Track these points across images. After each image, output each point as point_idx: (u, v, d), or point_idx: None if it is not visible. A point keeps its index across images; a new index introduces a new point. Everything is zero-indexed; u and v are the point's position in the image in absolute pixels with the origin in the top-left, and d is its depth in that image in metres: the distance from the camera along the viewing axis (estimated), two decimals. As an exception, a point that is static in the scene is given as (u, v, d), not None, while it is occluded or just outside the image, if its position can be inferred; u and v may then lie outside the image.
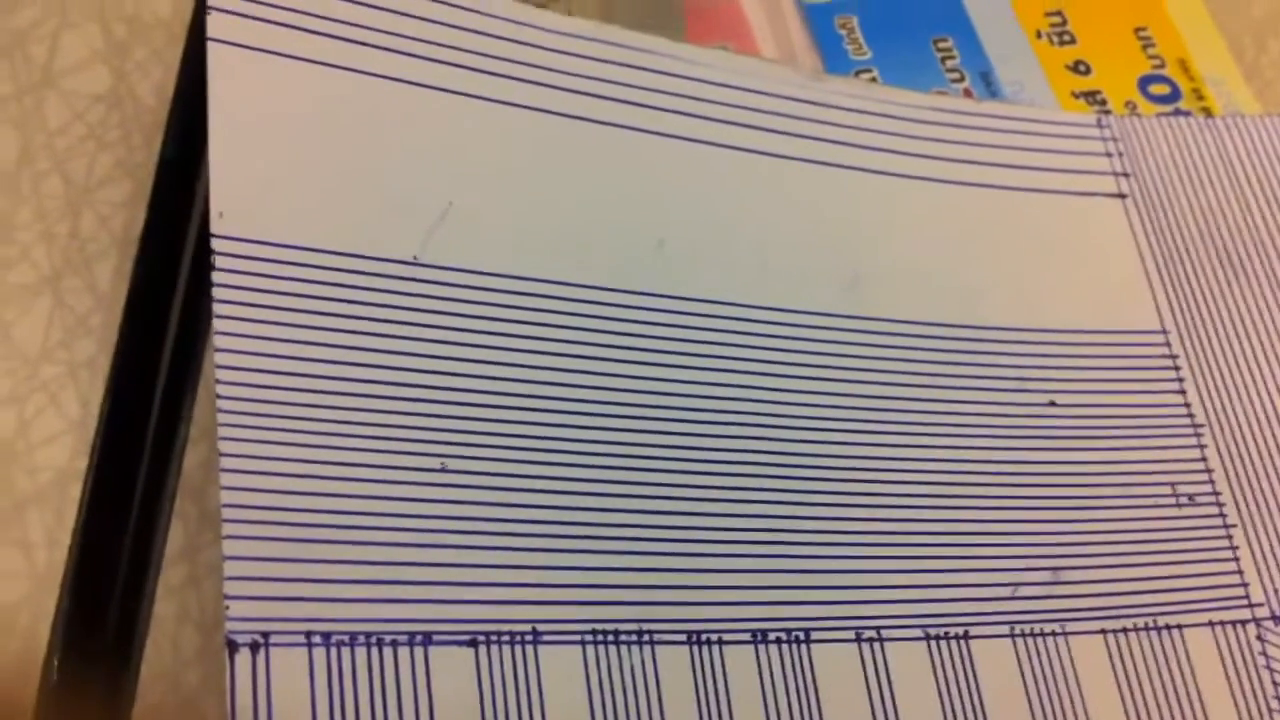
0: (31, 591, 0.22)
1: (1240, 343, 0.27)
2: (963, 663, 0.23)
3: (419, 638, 0.20)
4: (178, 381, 0.23)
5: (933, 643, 0.23)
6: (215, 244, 0.21)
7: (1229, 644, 0.24)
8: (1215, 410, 0.26)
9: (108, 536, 0.22)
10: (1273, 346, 0.27)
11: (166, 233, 0.23)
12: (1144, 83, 0.30)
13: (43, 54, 0.26)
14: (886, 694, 0.22)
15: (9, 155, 0.25)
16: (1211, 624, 0.24)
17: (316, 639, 0.19)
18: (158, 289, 0.23)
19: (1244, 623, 0.24)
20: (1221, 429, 0.26)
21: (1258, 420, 0.26)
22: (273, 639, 0.19)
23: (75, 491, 0.22)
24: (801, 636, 0.22)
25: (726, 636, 0.22)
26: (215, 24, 0.22)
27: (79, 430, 0.23)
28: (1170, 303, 0.27)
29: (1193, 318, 0.27)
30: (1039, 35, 0.30)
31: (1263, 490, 0.25)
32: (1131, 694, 0.23)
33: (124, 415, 0.22)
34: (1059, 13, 0.31)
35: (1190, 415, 0.26)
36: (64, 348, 0.23)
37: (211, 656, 0.22)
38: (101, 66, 0.26)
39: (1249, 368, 0.26)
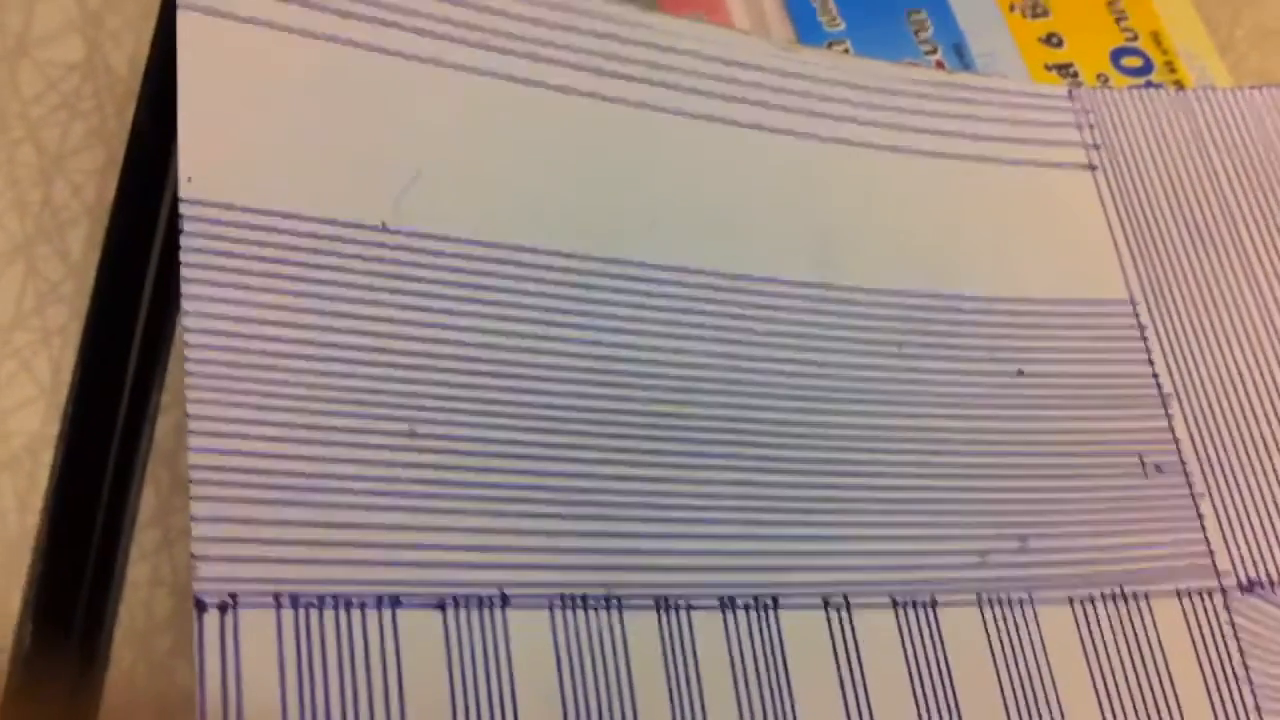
0: (4, 557, 0.22)
1: (1208, 313, 0.27)
2: (930, 630, 0.23)
3: (387, 600, 0.20)
4: (150, 348, 0.23)
5: (900, 610, 0.23)
6: (183, 208, 0.21)
7: (1196, 612, 0.24)
8: (1182, 380, 0.26)
9: (80, 501, 0.22)
10: (1240, 317, 0.27)
11: (138, 201, 0.23)
12: (1116, 55, 0.30)
13: (17, 23, 0.26)
14: (854, 661, 0.22)
15: (-18, 124, 0.25)
16: (1178, 592, 0.24)
17: (285, 600, 0.20)
18: (129, 257, 0.23)
19: (1211, 591, 0.24)
20: (1189, 399, 0.26)
21: (1225, 390, 0.26)
22: (241, 600, 0.19)
23: (47, 457, 0.22)
24: (769, 603, 0.22)
25: (694, 602, 0.22)
26: (185, -10, 0.22)
27: (51, 396, 0.23)
28: (1139, 273, 0.27)
29: (1161, 288, 0.27)
30: (1012, 8, 0.30)
31: (1229, 460, 0.26)
32: (1099, 661, 0.23)
33: (96, 381, 0.22)
34: (1033, -14, 0.31)
35: (1158, 385, 0.26)
36: (36, 315, 0.23)
37: (184, 621, 0.22)
38: (75, 36, 0.26)
39: (1216, 338, 0.27)
